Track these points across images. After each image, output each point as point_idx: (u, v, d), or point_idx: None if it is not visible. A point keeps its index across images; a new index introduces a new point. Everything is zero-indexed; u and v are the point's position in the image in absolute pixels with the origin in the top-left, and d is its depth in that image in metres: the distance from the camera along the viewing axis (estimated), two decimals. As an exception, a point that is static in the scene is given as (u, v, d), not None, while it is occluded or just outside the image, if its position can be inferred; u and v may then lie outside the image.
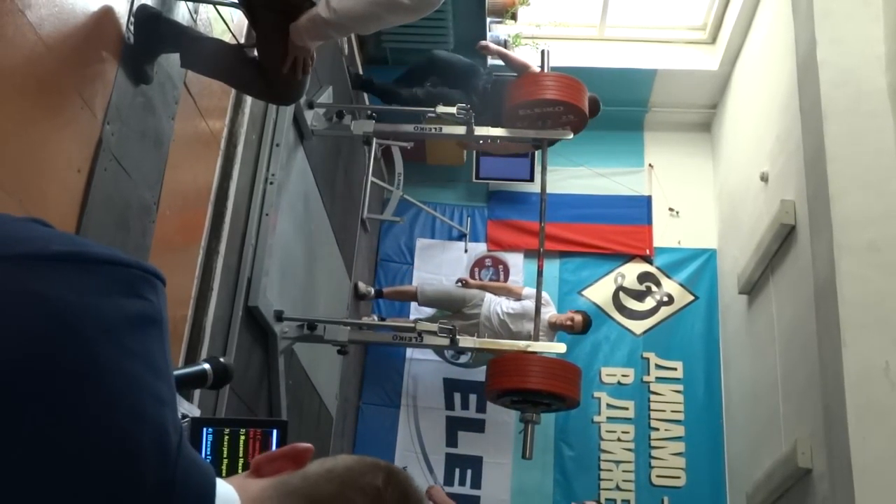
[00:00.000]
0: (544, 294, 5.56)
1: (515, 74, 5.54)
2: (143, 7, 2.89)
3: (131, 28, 2.80)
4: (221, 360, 2.12)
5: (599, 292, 7.62)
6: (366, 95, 6.46)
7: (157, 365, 0.75)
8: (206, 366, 2.06)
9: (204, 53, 3.04)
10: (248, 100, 4.00)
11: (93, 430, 0.69)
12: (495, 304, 6.19)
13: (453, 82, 5.79)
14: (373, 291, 6.97)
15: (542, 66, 5.20)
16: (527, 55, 6.03)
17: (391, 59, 6.74)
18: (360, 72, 6.53)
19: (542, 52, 5.25)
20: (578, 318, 6.05)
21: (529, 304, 5.74)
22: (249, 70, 3.01)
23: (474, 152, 7.75)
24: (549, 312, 5.98)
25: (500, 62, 6.04)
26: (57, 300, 0.70)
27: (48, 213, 2.34)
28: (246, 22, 3.52)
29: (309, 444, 0.85)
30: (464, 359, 6.89)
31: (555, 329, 6.09)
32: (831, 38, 4.80)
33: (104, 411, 0.69)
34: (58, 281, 0.71)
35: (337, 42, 5.68)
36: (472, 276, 7.43)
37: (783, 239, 5.51)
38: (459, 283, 6.55)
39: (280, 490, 0.81)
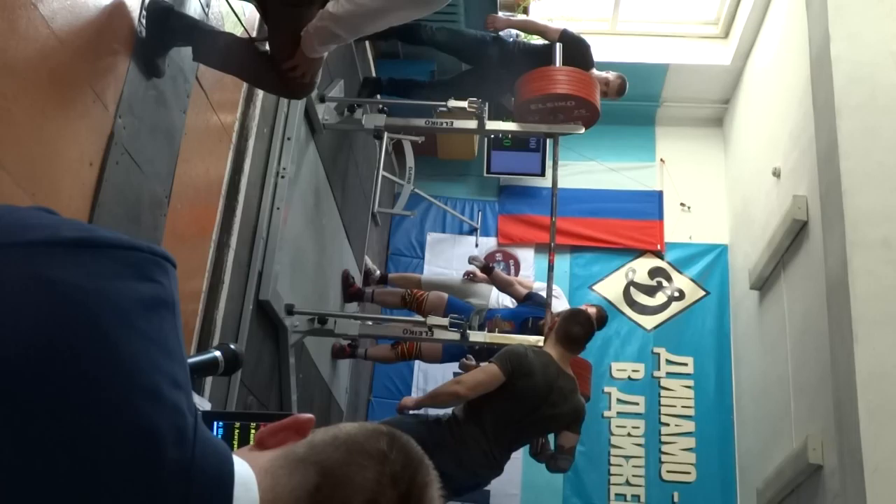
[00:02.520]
0: (556, 287, 5.50)
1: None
2: (154, 1, 2.89)
3: (143, 21, 2.81)
4: (232, 346, 2.11)
5: (610, 287, 7.62)
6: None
7: (170, 347, 0.76)
8: (217, 353, 2.05)
9: (216, 48, 3.04)
10: (260, 93, 4.00)
11: (111, 413, 0.69)
12: (503, 295, 6.12)
13: (465, 59, 5.75)
14: (378, 273, 6.87)
15: (553, 61, 5.18)
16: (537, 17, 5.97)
17: (403, 52, 6.74)
18: (372, 67, 6.52)
19: (553, 46, 5.22)
20: (592, 310, 5.86)
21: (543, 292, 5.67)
22: (261, 64, 3.00)
23: (486, 149, 7.74)
24: (562, 306, 5.91)
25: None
26: (70, 285, 0.71)
27: (60, 207, 2.34)
28: (258, 16, 3.53)
29: (310, 415, 0.87)
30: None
31: None
32: (845, 33, 4.78)
33: (121, 395, 0.70)
34: (70, 266, 0.72)
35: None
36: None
37: (795, 235, 5.49)
38: (467, 277, 6.42)
39: (289, 458, 0.82)
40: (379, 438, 0.84)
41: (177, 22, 2.95)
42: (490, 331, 5.13)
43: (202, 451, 0.74)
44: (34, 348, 0.68)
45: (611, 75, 5.56)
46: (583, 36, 5.52)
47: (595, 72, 5.54)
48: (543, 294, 5.15)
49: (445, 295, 5.76)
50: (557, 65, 5.17)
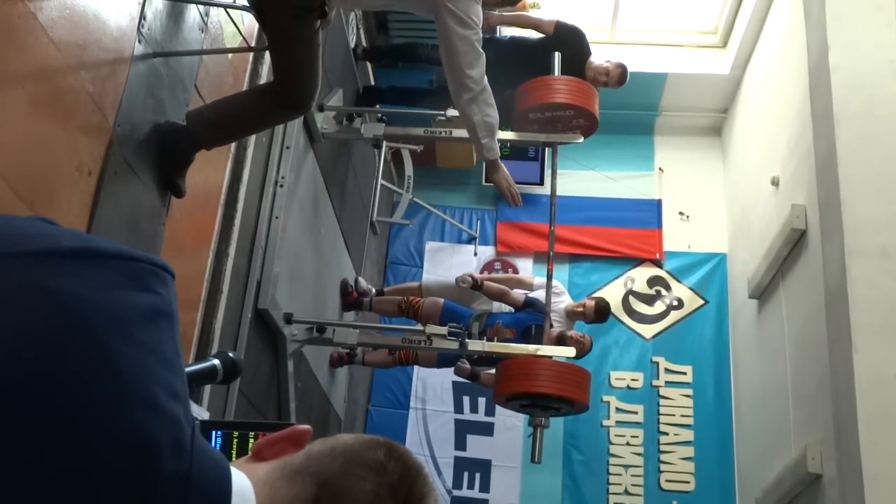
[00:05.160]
0: (558, 283, 5.46)
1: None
2: (166, 124, 2.98)
3: (143, 32, 2.81)
4: (230, 354, 2.10)
5: (609, 296, 7.57)
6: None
7: (168, 358, 0.76)
8: (216, 361, 2.04)
9: (215, 126, 3.12)
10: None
11: (108, 424, 0.69)
12: None
13: None
14: (374, 291, 6.77)
15: (552, 71, 5.18)
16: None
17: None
18: (371, 76, 6.52)
19: (554, 55, 5.22)
20: (591, 303, 5.78)
21: (543, 294, 5.62)
22: (254, 99, 3.11)
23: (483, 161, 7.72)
24: (565, 301, 5.87)
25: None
26: (69, 295, 0.71)
27: (59, 216, 2.34)
28: (256, 25, 3.53)
29: (307, 426, 0.87)
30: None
31: (571, 318, 5.93)
32: (844, 42, 4.79)
33: (119, 405, 0.70)
34: (69, 276, 0.72)
35: (347, 43, 5.69)
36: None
37: (794, 244, 5.49)
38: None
39: (286, 470, 0.82)
40: (376, 449, 0.84)
41: (185, 139, 3.03)
42: (490, 338, 5.11)
43: (200, 463, 0.74)
44: (32, 358, 0.67)
45: (610, 64, 5.54)
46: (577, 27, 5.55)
47: (594, 60, 5.54)
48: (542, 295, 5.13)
49: (441, 300, 5.73)
50: (556, 74, 5.17)
